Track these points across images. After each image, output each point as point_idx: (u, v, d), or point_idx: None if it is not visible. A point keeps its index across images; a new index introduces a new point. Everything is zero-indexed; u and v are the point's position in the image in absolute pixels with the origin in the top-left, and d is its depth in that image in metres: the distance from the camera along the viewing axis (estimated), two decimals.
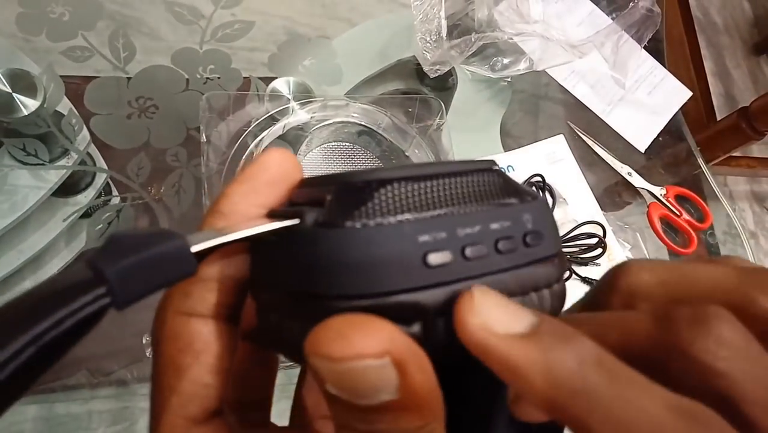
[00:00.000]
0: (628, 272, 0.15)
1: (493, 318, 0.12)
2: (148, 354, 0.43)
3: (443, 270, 0.13)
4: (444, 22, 0.48)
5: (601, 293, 0.16)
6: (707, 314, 0.12)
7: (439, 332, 0.13)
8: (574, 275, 0.52)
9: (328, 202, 0.14)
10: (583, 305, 0.17)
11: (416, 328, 0.13)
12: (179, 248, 0.12)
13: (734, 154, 1.13)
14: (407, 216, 0.13)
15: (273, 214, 0.15)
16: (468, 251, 0.13)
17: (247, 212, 0.15)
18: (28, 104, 0.38)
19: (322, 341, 0.11)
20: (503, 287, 0.14)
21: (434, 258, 0.13)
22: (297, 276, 0.14)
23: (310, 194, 0.15)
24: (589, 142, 0.60)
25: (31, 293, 0.12)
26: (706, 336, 0.12)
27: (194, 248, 0.13)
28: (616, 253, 0.54)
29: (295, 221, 0.14)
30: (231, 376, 0.16)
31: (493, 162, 0.16)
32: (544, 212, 0.15)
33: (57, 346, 0.11)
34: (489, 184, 0.15)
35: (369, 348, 0.11)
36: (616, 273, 0.16)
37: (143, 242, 0.12)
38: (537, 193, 0.16)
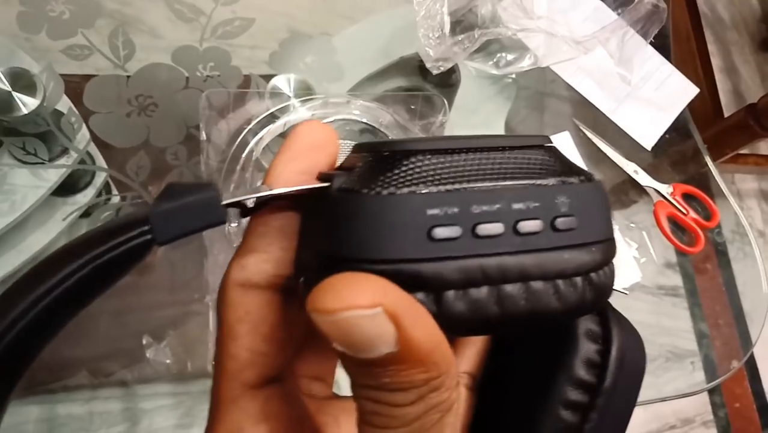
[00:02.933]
0: None
1: None
2: (148, 355, 0.43)
3: (450, 245, 0.13)
4: (447, 18, 0.47)
5: None
6: None
7: (448, 304, 0.13)
8: None
9: (357, 168, 0.14)
10: None
11: (422, 297, 0.13)
12: (211, 198, 0.15)
13: (742, 152, 1.12)
14: (422, 189, 0.13)
15: (319, 178, 0.16)
16: (479, 229, 0.13)
17: (289, 179, 0.16)
18: (27, 103, 0.37)
19: (317, 296, 0.12)
20: (519, 269, 0.13)
21: (440, 232, 0.13)
22: (320, 236, 0.14)
23: (353, 160, 0.15)
24: (595, 140, 0.60)
25: (97, 228, 0.15)
26: None
27: (225, 201, 0.15)
28: (623, 252, 0.54)
29: (325, 185, 0.15)
30: (292, 346, 0.17)
31: (544, 138, 0.15)
32: (589, 196, 0.15)
33: (111, 269, 0.14)
34: (529, 162, 0.15)
35: (358, 300, 0.12)
36: None
37: (186, 191, 0.15)
38: (591, 175, 0.16)
